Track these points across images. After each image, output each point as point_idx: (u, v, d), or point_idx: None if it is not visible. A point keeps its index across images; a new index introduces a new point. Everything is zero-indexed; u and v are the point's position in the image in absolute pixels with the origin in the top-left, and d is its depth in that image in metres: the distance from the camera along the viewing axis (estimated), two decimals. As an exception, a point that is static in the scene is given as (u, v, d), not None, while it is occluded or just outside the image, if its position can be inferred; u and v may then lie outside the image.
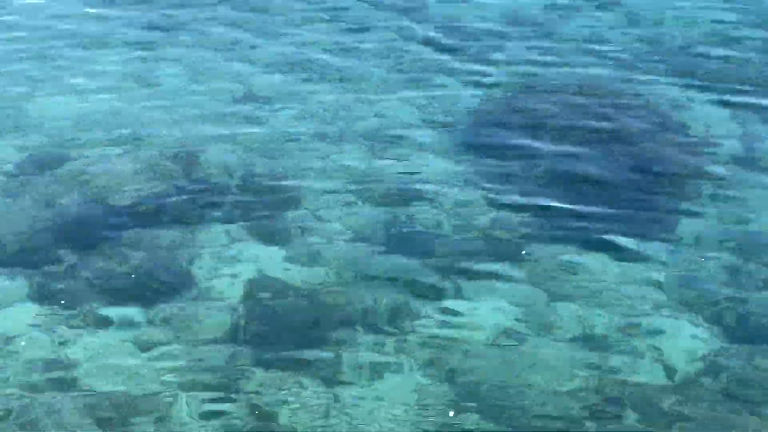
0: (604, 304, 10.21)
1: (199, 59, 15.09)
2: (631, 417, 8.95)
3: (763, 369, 9.42)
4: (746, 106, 13.64)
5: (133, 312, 10.06)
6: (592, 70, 14.80)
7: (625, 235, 11.16)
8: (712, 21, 16.31)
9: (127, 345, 9.65)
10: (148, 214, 11.46)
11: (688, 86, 14.24)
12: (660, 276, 10.57)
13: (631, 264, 10.76)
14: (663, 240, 11.11)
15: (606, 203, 11.68)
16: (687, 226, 11.32)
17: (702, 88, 14.14)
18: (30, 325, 9.87)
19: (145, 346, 9.64)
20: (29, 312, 10.04)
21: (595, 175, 12.18)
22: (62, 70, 14.66)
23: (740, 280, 10.51)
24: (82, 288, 10.33)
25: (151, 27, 16.19)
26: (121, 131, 13.02)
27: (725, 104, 13.69)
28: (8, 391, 9.11)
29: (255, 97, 13.93)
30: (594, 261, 10.79)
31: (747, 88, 14.08)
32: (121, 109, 13.61)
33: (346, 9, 16.82)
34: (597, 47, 15.53)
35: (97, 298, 10.19)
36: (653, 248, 10.98)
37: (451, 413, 8.96)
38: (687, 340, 9.79)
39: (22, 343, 9.63)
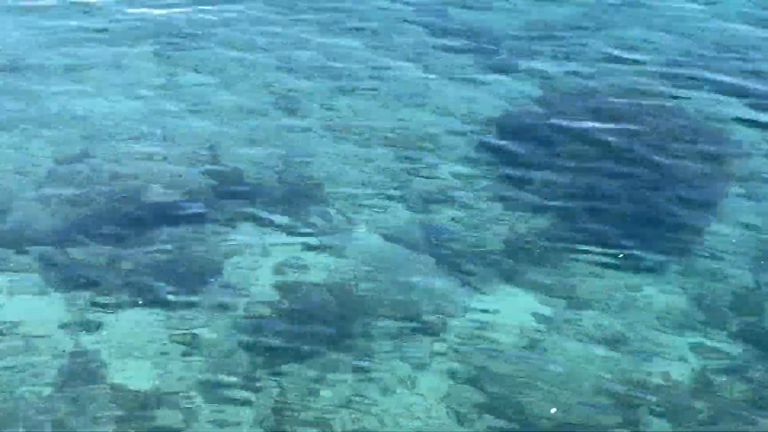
0: (622, 310, 10.41)
1: (224, 62, 15.24)
2: (654, 420, 9.16)
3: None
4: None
5: (160, 305, 10.25)
6: (625, 78, 15.03)
7: (645, 245, 11.33)
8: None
9: (154, 338, 9.83)
10: (178, 210, 11.66)
11: (723, 94, 14.46)
12: (678, 287, 10.74)
13: (649, 274, 10.92)
14: (683, 251, 11.27)
15: (625, 214, 11.88)
16: (707, 240, 11.48)
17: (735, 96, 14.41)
18: (58, 317, 10.05)
19: (172, 340, 9.83)
20: (58, 304, 10.22)
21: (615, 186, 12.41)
22: (90, 70, 14.81)
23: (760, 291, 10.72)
24: (111, 282, 10.51)
25: (178, 28, 16.31)
26: (151, 130, 13.22)
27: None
28: (33, 381, 9.32)
29: (284, 100, 14.09)
30: (612, 270, 11.00)
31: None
32: (150, 109, 13.78)
33: (370, 16, 16.94)
34: (628, 55, 15.75)
35: (125, 292, 10.37)
36: (673, 258, 11.15)
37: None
38: (707, 349, 10.00)
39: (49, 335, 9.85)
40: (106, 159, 12.55)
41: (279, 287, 10.56)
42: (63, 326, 9.96)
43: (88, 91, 14.19)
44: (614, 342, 9.98)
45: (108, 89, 14.26)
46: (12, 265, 10.75)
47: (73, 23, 16.27)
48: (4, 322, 9.98)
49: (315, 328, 10.04)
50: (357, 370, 9.55)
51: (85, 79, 14.54)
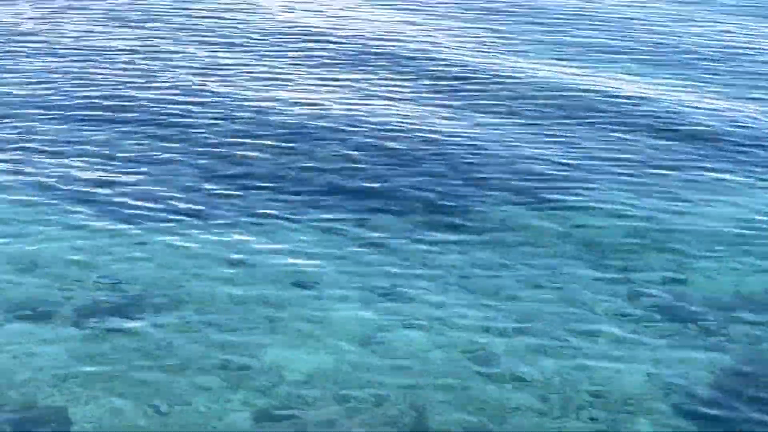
0: None
1: (435, 316, 15.04)
2: None
3: None
4: None
5: None
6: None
7: None
8: None
9: None
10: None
11: None
12: None
13: None
14: None
15: None
16: None
17: None
18: None
19: None
20: None
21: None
22: (290, 320, 14.71)
23: None
24: None
25: (388, 282, 16.03)
26: (352, 388, 13.14)
27: None
28: None
29: (482, 352, 13.97)
30: None
31: None
32: (355, 364, 13.68)
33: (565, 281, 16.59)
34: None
35: None
36: None
37: None
38: None
39: None
40: (309, 416, 12.51)
41: None
42: None
43: (287, 342, 14.13)
44: None
45: (308, 340, 14.19)
46: None
47: (269, 271, 16.30)
48: None
49: None
50: None
51: (284, 328, 14.48)
